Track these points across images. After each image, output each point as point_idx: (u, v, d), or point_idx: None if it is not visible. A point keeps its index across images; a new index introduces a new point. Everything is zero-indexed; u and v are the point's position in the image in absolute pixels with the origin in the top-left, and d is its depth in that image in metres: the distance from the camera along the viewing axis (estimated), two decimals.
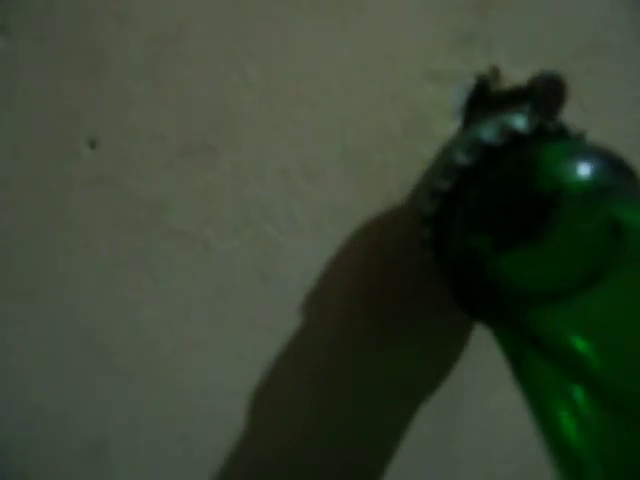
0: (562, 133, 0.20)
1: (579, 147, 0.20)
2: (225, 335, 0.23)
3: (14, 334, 0.21)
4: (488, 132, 0.21)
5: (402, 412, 0.25)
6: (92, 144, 0.21)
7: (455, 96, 0.21)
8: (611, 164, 0.19)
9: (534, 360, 0.18)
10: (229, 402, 0.23)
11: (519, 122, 0.20)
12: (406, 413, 0.25)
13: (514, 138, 0.20)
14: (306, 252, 0.22)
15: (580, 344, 0.17)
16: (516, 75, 0.22)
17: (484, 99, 0.21)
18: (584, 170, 0.19)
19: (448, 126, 0.22)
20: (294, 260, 0.22)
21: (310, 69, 0.21)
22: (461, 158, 0.20)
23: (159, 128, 0.21)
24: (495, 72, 0.21)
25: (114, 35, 0.20)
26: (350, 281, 0.22)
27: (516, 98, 0.20)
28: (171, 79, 0.20)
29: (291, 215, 0.21)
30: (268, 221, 0.21)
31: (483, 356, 0.24)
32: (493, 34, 0.21)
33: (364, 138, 0.21)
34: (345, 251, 0.22)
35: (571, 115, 0.22)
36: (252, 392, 0.23)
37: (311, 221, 0.22)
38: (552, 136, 0.20)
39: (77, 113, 0.20)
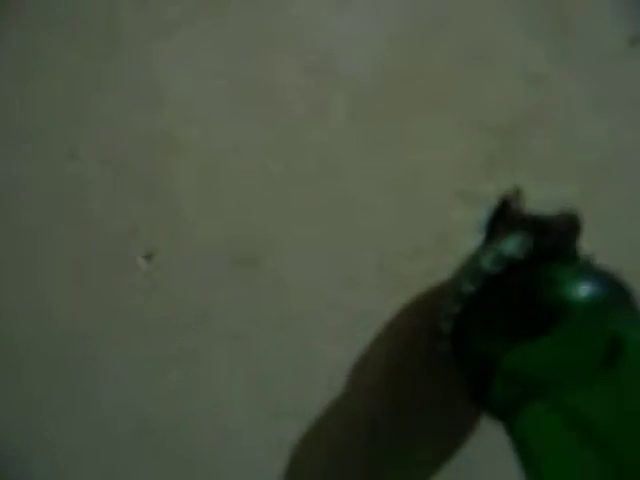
0: (574, 255, 0.22)
1: (585, 268, 0.22)
2: (261, 425, 0.25)
3: (67, 421, 0.23)
4: (511, 247, 0.22)
5: None
6: (148, 257, 0.23)
7: (481, 214, 0.23)
8: (611, 285, 0.21)
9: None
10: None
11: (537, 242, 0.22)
12: None
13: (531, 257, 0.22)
14: (337, 354, 0.24)
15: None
16: (538, 193, 0.23)
17: (505, 217, 0.23)
18: (588, 288, 0.21)
19: (472, 241, 0.23)
20: (325, 360, 0.24)
21: (350, 190, 0.23)
22: (487, 266, 0.22)
23: (209, 243, 0.23)
24: (517, 192, 0.23)
25: (167, 160, 0.22)
26: (374, 378, 0.24)
27: (534, 224, 0.22)
28: (219, 200, 0.22)
29: (324, 321, 0.23)
30: (305, 326, 0.23)
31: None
32: (518, 157, 0.23)
33: (397, 251, 0.23)
34: (370, 352, 0.24)
35: (588, 231, 0.24)
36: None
37: (344, 326, 0.24)
38: (565, 258, 0.22)
39: (134, 229, 0.22)
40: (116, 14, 0.21)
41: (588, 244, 0.23)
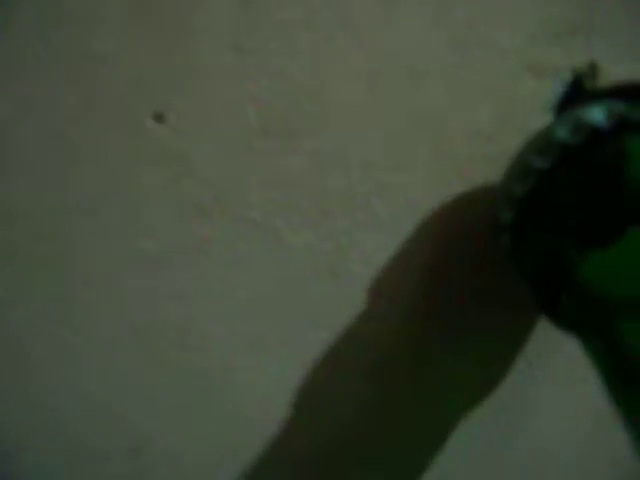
0: None
1: None
2: (284, 334, 0.21)
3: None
4: (595, 114, 0.19)
5: (456, 416, 0.24)
6: (159, 117, 0.19)
7: (553, 89, 0.20)
8: None
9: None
10: (280, 400, 0.22)
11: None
12: (460, 417, 0.24)
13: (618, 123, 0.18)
14: (381, 249, 0.20)
15: None
16: (615, 71, 0.20)
17: (578, 95, 0.20)
18: None
19: (540, 121, 0.20)
20: (368, 258, 0.20)
21: (407, 53, 0.19)
22: (564, 136, 0.18)
23: (237, 104, 0.19)
24: (593, 69, 0.20)
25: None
26: (416, 280, 0.21)
27: (619, 90, 0.19)
28: (253, 52, 0.18)
29: (371, 209, 0.20)
30: (346, 215, 0.20)
31: (546, 371, 0.23)
32: (596, 27, 0.20)
33: (455, 129, 0.20)
34: (416, 248, 0.21)
35: None
36: (303, 391, 0.22)
37: (391, 216, 0.20)
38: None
39: (143, 80, 0.18)
40: None
41: None
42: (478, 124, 0.20)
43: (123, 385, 0.20)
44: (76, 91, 0.18)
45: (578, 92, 0.20)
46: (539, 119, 0.20)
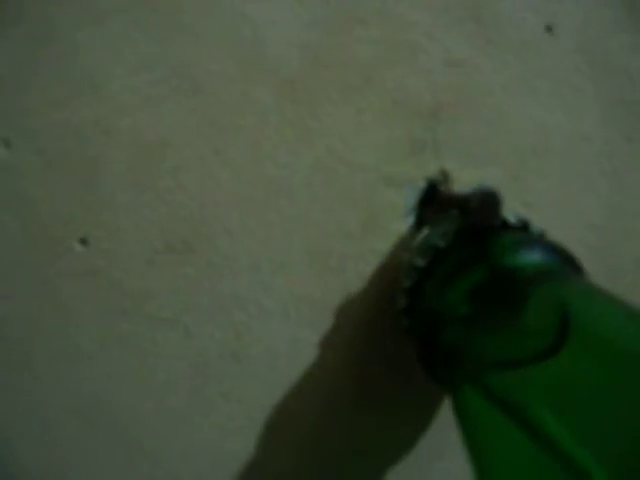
0: (524, 228, 0.22)
1: (529, 237, 0.22)
2: (204, 408, 0.25)
3: (9, 402, 0.24)
4: (450, 225, 0.23)
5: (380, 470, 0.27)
6: (83, 241, 0.23)
7: (408, 198, 0.24)
8: (557, 253, 0.21)
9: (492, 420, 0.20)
10: (209, 466, 0.26)
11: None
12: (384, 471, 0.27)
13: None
14: (274, 335, 0.24)
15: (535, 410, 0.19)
16: (465, 177, 0.24)
17: (434, 200, 0.24)
18: (533, 256, 0.21)
19: (402, 223, 0.24)
20: (263, 342, 0.24)
21: (275, 176, 0.23)
22: (437, 242, 0.22)
23: (143, 229, 0.23)
24: (445, 175, 0.24)
25: (103, 149, 0.23)
26: (318, 359, 0.25)
27: (459, 203, 0.22)
28: (153, 187, 0.23)
29: (260, 303, 0.24)
30: (240, 309, 0.24)
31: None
32: (443, 141, 0.24)
33: (326, 236, 0.24)
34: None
35: (517, 211, 0.24)
36: (229, 457, 0.26)
37: (279, 308, 0.24)
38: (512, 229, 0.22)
39: (71, 215, 0.23)
40: (49, 5, 0.22)
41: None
42: (348, 228, 0.24)
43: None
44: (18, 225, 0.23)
45: (434, 196, 0.24)
46: (400, 222, 0.24)
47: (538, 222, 0.24)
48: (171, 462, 0.25)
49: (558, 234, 0.24)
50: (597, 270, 0.26)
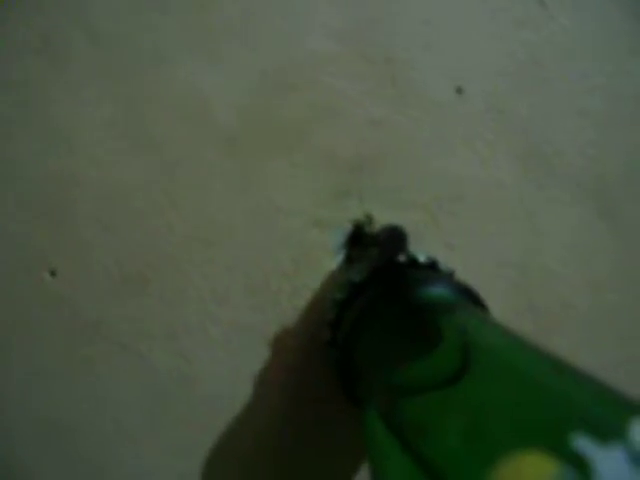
0: (433, 266, 0.25)
1: (435, 276, 0.25)
2: (155, 428, 0.28)
3: None
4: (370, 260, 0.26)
5: None
6: (53, 273, 0.27)
7: (336, 238, 0.27)
8: (458, 289, 0.24)
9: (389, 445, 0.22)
10: None
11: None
12: None
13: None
14: (219, 361, 0.27)
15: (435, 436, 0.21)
16: (388, 219, 0.27)
17: (360, 239, 0.27)
18: (436, 291, 0.23)
19: (331, 261, 0.27)
20: (209, 367, 0.27)
21: (219, 220, 0.27)
22: (354, 277, 0.25)
23: (104, 262, 0.27)
24: (369, 219, 0.27)
25: (72, 194, 0.27)
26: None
27: (373, 240, 0.26)
28: (115, 227, 0.27)
29: (207, 332, 0.27)
30: (189, 337, 0.27)
31: None
32: (366, 189, 0.27)
33: (263, 272, 0.27)
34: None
35: (439, 252, 0.27)
36: (178, 478, 0.28)
37: (221, 336, 0.27)
38: (422, 267, 0.25)
39: (42, 250, 0.27)
40: (32, 72, 0.27)
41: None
42: (282, 266, 0.27)
43: None
44: None
45: (360, 237, 0.27)
46: (329, 260, 0.27)
47: (460, 262, 0.27)
48: None
49: (480, 272, 0.27)
50: (520, 305, 0.28)
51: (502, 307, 0.27)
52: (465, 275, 0.25)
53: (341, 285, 0.26)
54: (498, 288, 0.27)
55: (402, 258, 0.25)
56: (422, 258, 0.25)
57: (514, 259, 0.28)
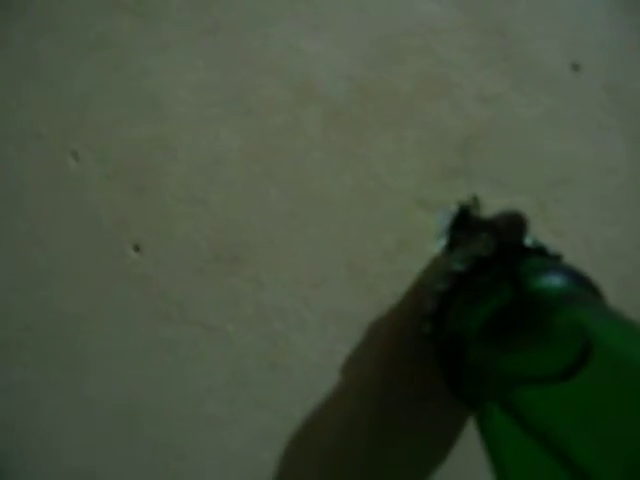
0: (541, 252, 0.24)
1: (551, 263, 0.24)
2: (237, 414, 0.26)
3: (56, 397, 0.25)
4: (476, 247, 0.24)
5: None
6: (137, 248, 0.25)
7: (441, 220, 0.25)
8: (578, 278, 0.22)
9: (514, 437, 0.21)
10: (238, 474, 0.27)
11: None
12: None
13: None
14: (311, 347, 0.26)
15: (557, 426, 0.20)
16: (495, 203, 0.26)
17: (465, 223, 0.25)
18: (555, 280, 0.22)
19: (434, 245, 0.25)
20: (300, 353, 0.26)
21: (320, 195, 0.25)
22: (457, 266, 0.24)
23: (193, 239, 0.25)
24: (476, 201, 0.25)
25: (159, 163, 0.25)
26: (349, 373, 0.26)
27: (487, 226, 0.24)
28: (205, 200, 0.25)
29: (300, 315, 0.25)
30: (280, 320, 0.25)
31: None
32: (474, 169, 0.25)
33: (364, 253, 0.25)
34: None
35: (544, 238, 0.26)
36: (258, 466, 0.26)
37: (316, 321, 0.25)
38: (531, 253, 0.23)
39: (126, 222, 0.25)
40: (120, 32, 0.25)
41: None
42: (384, 248, 0.25)
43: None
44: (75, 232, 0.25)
45: (465, 220, 0.25)
46: (432, 244, 0.25)
47: (566, 250, 0.25)
48: (205, 469, 0.26)
49: (585, 263, 0.26)
50: (623, 300, 0.27)
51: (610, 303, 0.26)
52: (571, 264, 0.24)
53: (443, 274, 0.24)
54: (603, 281, 0.26)
55: (511, 243, 0.24)
56: (530, 243, 0.23)
57: (622, 250, 0.27)
